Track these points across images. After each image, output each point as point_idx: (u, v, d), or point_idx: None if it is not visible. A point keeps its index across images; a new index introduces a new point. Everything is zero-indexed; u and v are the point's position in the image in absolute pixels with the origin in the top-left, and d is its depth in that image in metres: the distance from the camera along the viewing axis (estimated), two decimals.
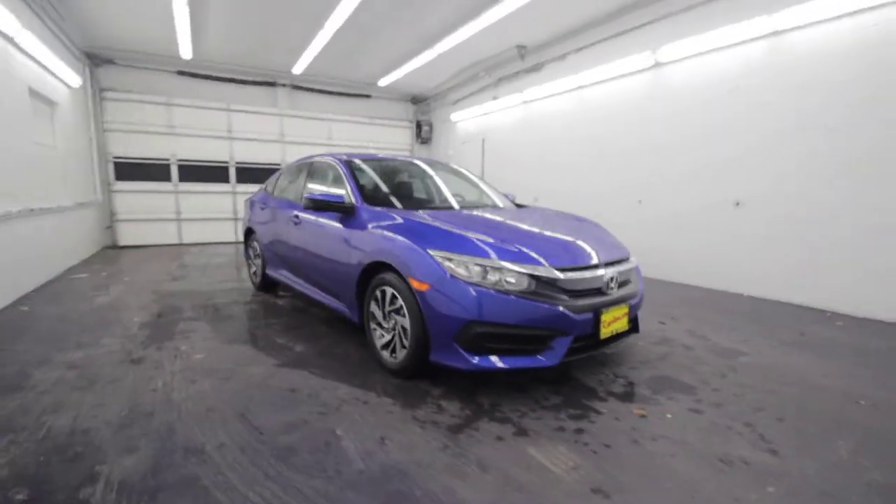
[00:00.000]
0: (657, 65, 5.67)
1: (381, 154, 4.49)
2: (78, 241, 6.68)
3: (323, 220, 3.50)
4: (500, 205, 3.88)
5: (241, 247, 8.67)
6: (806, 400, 2.49)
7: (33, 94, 5.27)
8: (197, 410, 2.30)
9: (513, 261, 2.41)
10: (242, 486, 1.71)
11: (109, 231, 8.33)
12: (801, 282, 4.42)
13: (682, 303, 4.60)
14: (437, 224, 2.77)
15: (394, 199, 3.39)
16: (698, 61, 5.24)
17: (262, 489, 1.69)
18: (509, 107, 8.34)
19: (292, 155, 9.71)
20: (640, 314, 3.07)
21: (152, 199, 8.66)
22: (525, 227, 3.00)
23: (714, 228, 5.17)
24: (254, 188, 9.00)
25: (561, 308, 2.36)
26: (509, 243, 2.55)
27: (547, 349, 2.38)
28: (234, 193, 9.41)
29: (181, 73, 8.57)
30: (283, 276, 4.31)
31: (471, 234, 2.60)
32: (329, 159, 3.91)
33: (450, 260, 2.42)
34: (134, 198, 8.48)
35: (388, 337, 2.77)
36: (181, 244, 8.94)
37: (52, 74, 5.86)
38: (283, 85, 9.52)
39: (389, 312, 2.73)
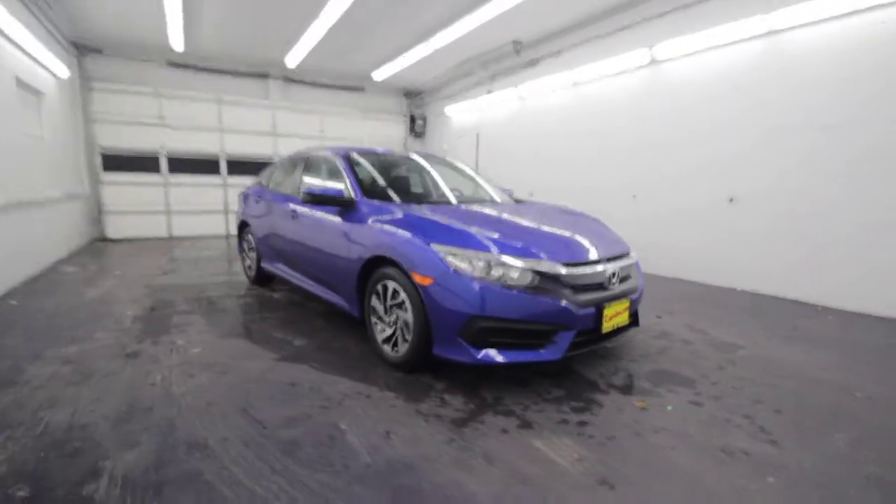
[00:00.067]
0: (654, 62, 5.69)
1: (378, 148, 4.45)
2: (66, 234, 6.55)
3: (321, 214, 3.46)
4: (499, 200, 3.87)
5: (233, 240, 8.62)
6: (803, 393, 2.54)
7: (20, 84, 5.14)
8: (197, 405, 2.27)
9: (516, 256, 2.41)
10: (248, 480, 1.69)
11: (97, 223, 8.18)
12: (802, 278, 4.46)
13: (680, 298, 4.64)
14: (439, 219, 2.76)
15: (392, 194, 3.37)
16: (696, 59, 5.27)
17: (269, 483, 1.68)
18: (504, 101, 8.32)
19: (284, 148, 9.62)
20: (639, 309, 3.09)
21: (141, 192, 8.52)
22: (526, 222, 3.00)
23: (712, 224, 5.22)
24: (245, 181, 8.89)
25: (564, 303, 2.37)
26: (512, 238, 2.55)
27: (550, 343, 2.39)
28: (225, 186, 9.29)
29: (171, 63, 8.41)
30: (279, 269, 4.27)
31: (473, 229, 2.60)
32: (327, 153, 3.87)
33: (453, 255, 2.41)
34: (122, 190, 8.33)
35: (389, 331, 2.76)
36: (171, 237, 8.82)
37: (40, 64, 5.71)
38: (276, 77, 9.39)
39: (391, 307, 2.71)
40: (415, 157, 4.16)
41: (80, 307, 3.93)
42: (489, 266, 2.37)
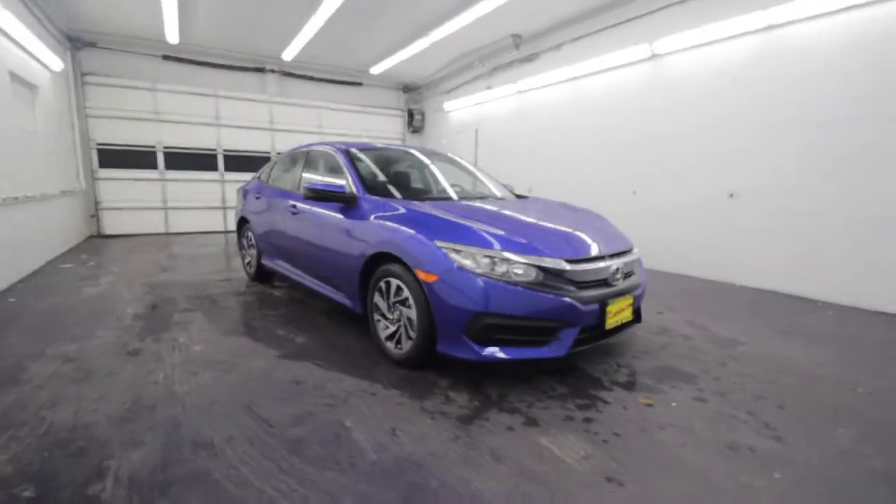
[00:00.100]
0: (654, 56, 5.67)
1: (378, 143, 4.43)
2: (62, 231, 6.50)
3: (322, 211, 3.44)
4: (501, 195, 3.86)
5: (231, 236, 8.58)
6: (804, 388, 2.55)
7: (14, 77, 5.07)
8: (201, 403, 2.26)
9: (521, 252, 2.40)
10: (256, 479, 1.68)
11: (94, 220, 8.11)
12: (800, 273, 4.48)
13: (679, 293, 4.65)
14: (442, 215, 2.74)
15: (394, 190, 3.35)
16: (697, 52, 5.25)
17: (277, 482, 1.67)
18: (503, 96, 8.29)
19: (282, 143, 9.56)
20: (641, 304, 3.09)
21: (138, 188, 8.45)
22: (530, 218, 2.99)
23: (712, 220, 5.22)
24: (243, 176, 8.87)
25: (568, 299, 2.36)
26: (516, 234, 2.54)
27: (554, 340, 2.39)
28: (223, 182, 9.23)
29: (167, 57, 8.31)
30: (279, 266, 4.25)
31: (477, 226, 2.59)
32: (327, 148, 3.85)
33: (458, 251, 2.40)
34: (119, 186, 8.26)
35: (392, 328, 2.75)
36: (168, 233, 8.76)
37: (33, 57, 5.64)
38: (273, 71, 9.30)
39: (394, 304, 2.70)
40: (415, 152, 4.14)
41: (79, 305, 3.90)
42: (493, 262, 2.36)
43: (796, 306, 4.20)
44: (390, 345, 2.78)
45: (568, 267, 2.43)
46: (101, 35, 7.50)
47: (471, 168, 4.29)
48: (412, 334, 2.60)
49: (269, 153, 9.56)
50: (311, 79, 9.77)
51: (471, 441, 1.97)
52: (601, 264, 2.57)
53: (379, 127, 10.86)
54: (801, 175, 4.44)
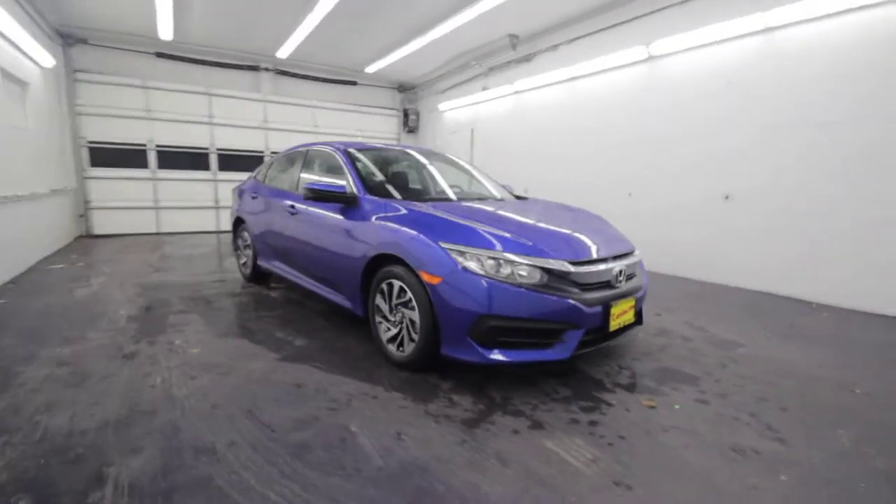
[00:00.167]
0: (651, 57, 5.70)
1: (376, 143, 4.40)
2: (52, 230, 6.38)
3: (322, 211, 3.41)
4: (500, 196, 3.85)
5: (224, 236, 8.50)
6: (804, 390, 2.57)
7: (5, 74, 4.97)
8: (201, 407, 2.22)
9: (525, 254, 2.39)
10: (260, 485, 1.65)
11: (83, 219, 7.98)
12: (798, 275, 4.50)
13: (677, 295, 4.67)
14: (445, 216, 2.73)
15: (395, 190, 3.32)
16: (694, 54, 5.28)
17: (282, 488, 1.64)
18: (500, 97, 8.29)
19: (276, 142, 9.49)
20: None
21: (129, 187, 8.32)
22: (532, 219, 2.98)
23: (709, 221, 5.25)
24: (236, 176, 8.78)
25: (573, 301, 2.36)
26: (520, 236, 2.53)
27: (559, 342, 2.38)
28: (216, 181, 9.12)
29: (159, 54, 8.20)
30: (276, 267, 4.21)
31: (480, 227, 2.57)
32: (326, 148, 3.81)
33: (462, 253, 2.39)
34: (109, 185, 8.12)
35: (394, 330, 2.73)
36: (159, 233, 8.64)
37: (24, 54, 5.53)
38: (267, 69, 9.22)
39: (396, 305, 2.68)
40: (414, 152, 4.12)
41: (71, 307, 3.83)
42: (498, 264, 2.35)
43: (792, 308, 4.24)
44: (392, 347, 2.76)
45: (572, 269, 2.42)
46: (92, 31, 7.38)
47: (469, 169, 4.28)
48: (415, 336, 2.58)
49: (262, 152, 9.47)
50: (306, 77, 9.71)
51: (477, 445, 1.96)
52: (605, 266, 2.57)
53: (374, 126, 10.81)
54: (798, 176, 4.47)
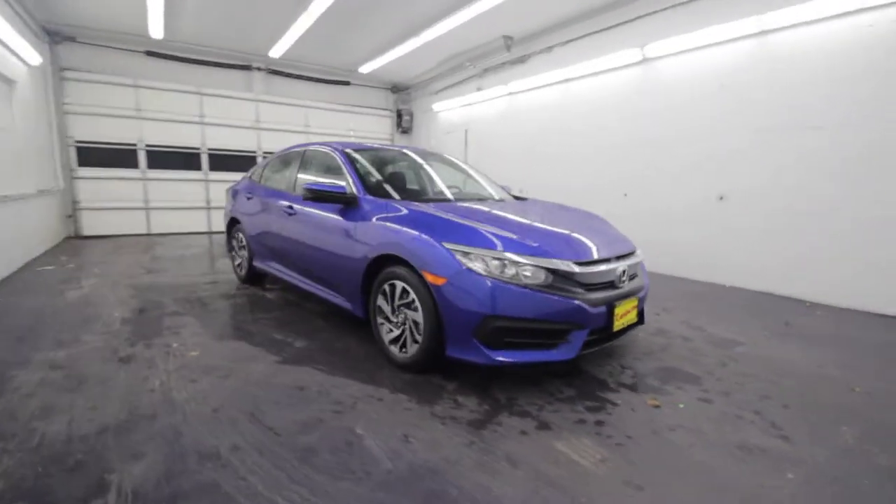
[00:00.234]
0: (645, 60, 5.74)
1: (374, 144, 4.38)
2: (40, 231, 6.24)
3: (320, 212, 3.37)
4: (499, 197, 3.85)
5: (216, 237, 8.39)
6: (805, 389, 2.59)
7: None
8: (202, 411, 2.18)
9: (530, 254, 2.39)
10: (268, 490, 1.62)
11: (72, 220, 7.83)
12: (799, 275, 4.53)
13: (675, 295, 4.70)
14: (448, 216, 2.71)
15: (394, 190, 3.30)
16: (688, 57, 5.33)
17: (290, 493, 1.61)
18: (494, 98, 8.30)
19: (268, 142, 9.40)
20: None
21: (118, 187, 8.18)
22: (534, 220, 2.98)
23: (704, 222, 5.29)
24: (227, 176, 8.70)
25: (578, 301, 2.36)
26: (524, 237, 2.53)
27: (564, 343, 2.38)
28: (207, 181, 9.01)
29: (150, 53, 8.08)
30: (273, 268, 4.16)
31: (484, 227, 2.56)
32: (324, 148, 3.78)
33: (466, 254, 2.38)
34: (98, 185, 7.98)
35: (397, 332, 2.71)
36: (150, 234, 8.51)
37: (11, 51, 5.40)
38: (259, 69, 9.13)
39: (399, 307, 2.66)
40: (412, 153, 4.10)
41: (63, 309, 3.74)
42: (503, 265, 2.34)
43: (789, 307, 4.28)
44: (394, 348, 2.73)
45: (577, 269, 2.42)
46: (81, 29, 7.24)
47: (468, 169, 4.27)
48: (418, 338, 2.56)
49: (254, 153, 9.38)
50: (299, 77, 9.63)
51: (485, 446, 1.94)
52: (608, 266, 2.58)
53: (367, 127, 10.77)
54: (798, 177, 4.51)
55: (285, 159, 4.37)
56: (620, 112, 6.14)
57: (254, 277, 4.67)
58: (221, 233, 8.49)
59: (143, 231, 8.50)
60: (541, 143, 7.43)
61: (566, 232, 2.77)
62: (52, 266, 5.42)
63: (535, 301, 2.30)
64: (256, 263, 4.45)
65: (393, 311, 2.72)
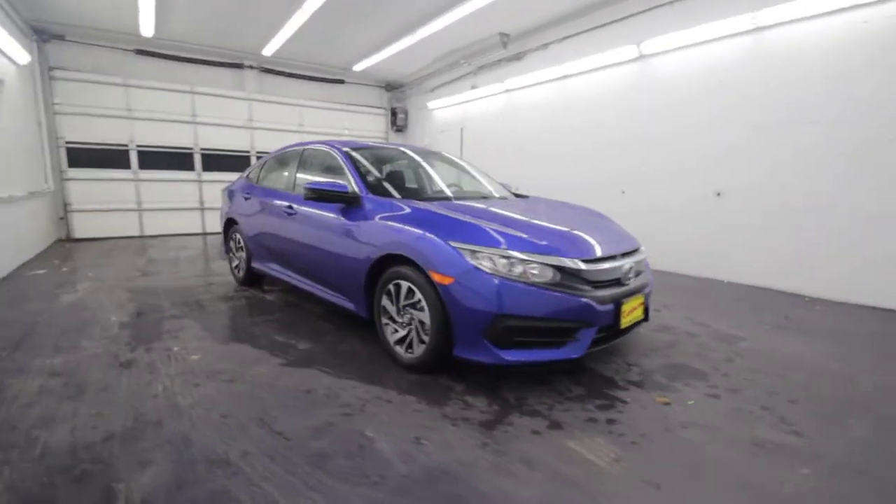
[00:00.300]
0: (642, 56, 5.74)
1: (373, 142, 4.33)
2: (31, 234, 6.12)
3: (321, 212, 3.33)
4: (501, 195, 3.83)
5: (211, 238, 8.30)
6: (810, 382, 2.60)
7: None
8: (209, 416, 2.14)
9: (537, 252, 2.37)
10: (284, 498, 1.59)
11: (62, 222, 7.69)
12: (796, 271, 4.55)
13: (673, 291, 4.70)
14: (451, 214, 2.69)
15: (396, 189, 3.27)
16: (684, 53, 5.34)
17: (306, 500, 1.58)
18: (490, 95, 8.27)
19: (261, 141, 9.31)
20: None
21: (110, 188, 8.05)
22: (538, 217, 2.96)
23: (703, 218, 5.31)
24: (221, 176, 8.60)
25: (586, 299, 2.34)
26: (530, 234, 2.51)
27: (572, 341, 2.37)
28: (200, 182, 8.89)
29: (140, 51, 7.95)
30: (272, 269, 4.11)
31: (490, 226, 2.54)
32: (324, 147, 3.73)
33: (474, 252, 2.35)
34: (89, 186, 7.85)
35: (402, 332, 2.68)
36: (143, 236, 8.39)
37: None
38: (251, 67, 9.03)
39: (405, 307, 2.63)
40: (410, 151, 4.05)
41: (59, 314, 3.67)
42: (511, 263, 2.32)
43: (788, 301, 4.31)
44: (400, 349, 2.71)
45: (584, 267, 2.41)
46: (69, 27, 7.09)
47: (468, 167, 4.24)
48: (425, 338, 2.53)
49: (248, 152, 9.28)
50: (292, 76, 9.54)
51: (499, 447, 1.92)
52: (615, 264, 2.57)
53: (362, 125, 10.69)
54: (792, 174, 4.55)
55: (283, 159, 4.31)
56: (618, 109, 6.14)
57: (252, 279, 4.62)
58: (216, 234, 8.40)
59: (136, 233, 8.38)
60: (537, 140, 7.41)
61: (571, 229, 2.75)
62: (44, 270, 5.31)
63: (543, 299, 2.28)
64: (255, 265, 4.39)
65: (398, 312, 2.69)
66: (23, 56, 5.96)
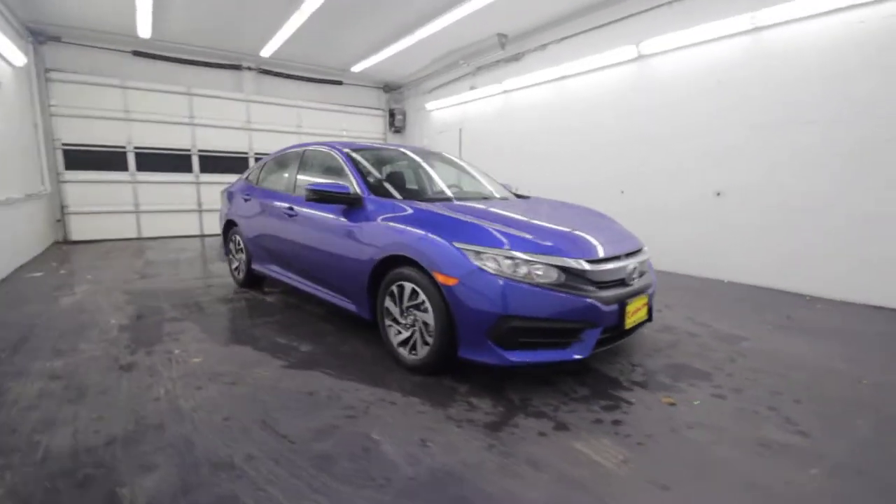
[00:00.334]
0: (641, 56, 5.75)
1: (373, 143, 4.32)
2: (28, 237, 6.08)
3: (323, 213, 3.32)
4: (503, 195, 3.82)
5: (209, 240, 8.26)
6: (813, 382, 2.60)
7: None
8: (212, 419, 2.12)
9: (542, 253, 2.36)
10: (288, 501, 1.58)
11: (60, 225, 7.64)
12: (795, 271, 4.56)
13: (674, 291, 4.69)
14: (454, 215, 2.68)
15: (398, 190, 3.26)
16: (683, 54, 5.35)
17: None
18: (488, 96, 8.27)
19: (260, 143, 9.28)
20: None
21: (107, 190, 8.00)
22: (540, 218, 2.96)
23: (702, 218, 5.31)
24: (219, 178, 8.58)
25: (590, 300, 2.34)
26: (534, 235, 2.50)
27: (577, 342, 2.36)
28: (198, 184, 8.85)
29: (137, 53, 7.91)
30: (272, 271, 4.09)
31: (494, 227, 2.53)
32: (325, 148, 3.72)
33: (478, 253, 2.34)
34: (86, 188, 7.80)
35: (406, 334, 2.67)
36: (140, 238, 8.35)
37: None
38: (249, 68, 9.00)
39: (408, 308, 2.62)
40: (410, 152, 4.04)
41: (57, 316, 3.64)
42: (516, 264, 2.31)
43: (788, 301, 4.32)
44: (404, 351, 2.69)
45: (589, 267, 2.40)
46: (65, 28, 7.05)
47: (469, 168, 4.24)
48: (429, 339, 2.52)
49: (246, 153, 9.25)
50: (290, 77, 9.51)
51: (505, 449, 1.91)
52: (619, 264, 2.56)
53: (360, 126, 10.68)
54: (790, 174, 4.56)
55: (283, 160, 4.30)
56: (616, 109, 6.15)
57: (252, 280, 4.59)
58: (215, 236, 8.38)
59: (134, 235, 8.33)
60: (536, 141, 7.42)
61: (575, 230, 2.74)
62: (41, 272, 5.28)
63: (548, 300, 2.28)
64: (255, 266, 4.37)
65: (401, 313, 2.67)
66: (19, 58, 5.92)
